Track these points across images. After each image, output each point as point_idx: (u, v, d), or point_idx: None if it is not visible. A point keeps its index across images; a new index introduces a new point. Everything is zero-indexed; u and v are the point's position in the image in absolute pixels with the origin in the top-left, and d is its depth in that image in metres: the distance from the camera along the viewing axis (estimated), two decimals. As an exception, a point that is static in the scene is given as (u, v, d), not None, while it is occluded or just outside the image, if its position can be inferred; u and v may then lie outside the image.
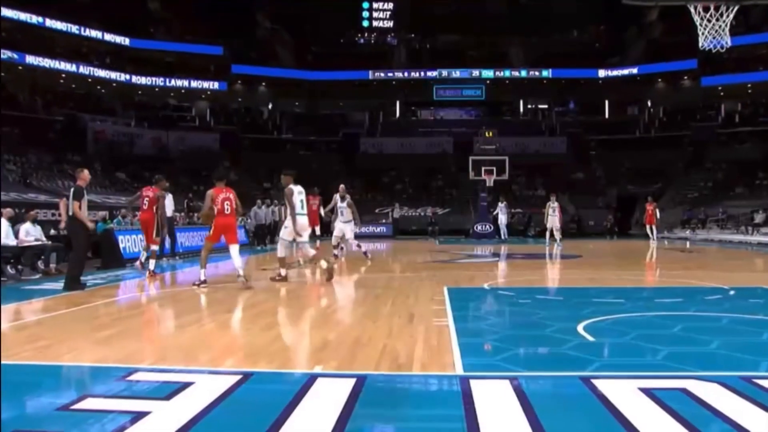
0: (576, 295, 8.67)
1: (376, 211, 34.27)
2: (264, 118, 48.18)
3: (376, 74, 46.71)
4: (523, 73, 46.29)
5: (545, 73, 45.99)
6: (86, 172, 9.52)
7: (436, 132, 45.43)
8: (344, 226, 13.91)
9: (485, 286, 9.62)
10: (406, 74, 47.18)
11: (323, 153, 43.24)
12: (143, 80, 41.96)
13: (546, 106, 49.53)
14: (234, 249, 9.53)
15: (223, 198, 9.54)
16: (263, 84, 47.66)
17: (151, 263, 11.05)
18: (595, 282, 10.30)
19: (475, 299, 8.47)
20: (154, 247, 11.30)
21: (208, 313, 7.46)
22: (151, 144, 40.34)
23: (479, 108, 50.53)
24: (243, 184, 36.94)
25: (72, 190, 9.27)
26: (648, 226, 24.21)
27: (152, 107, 44.26)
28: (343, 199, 13.87)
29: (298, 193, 10.15)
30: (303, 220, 10.07)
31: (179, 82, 43.33)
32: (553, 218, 21.35)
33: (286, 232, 10.17)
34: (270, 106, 48.97)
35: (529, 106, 50.08)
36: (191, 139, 41.64)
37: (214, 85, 44.31)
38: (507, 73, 46.40)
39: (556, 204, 21.40)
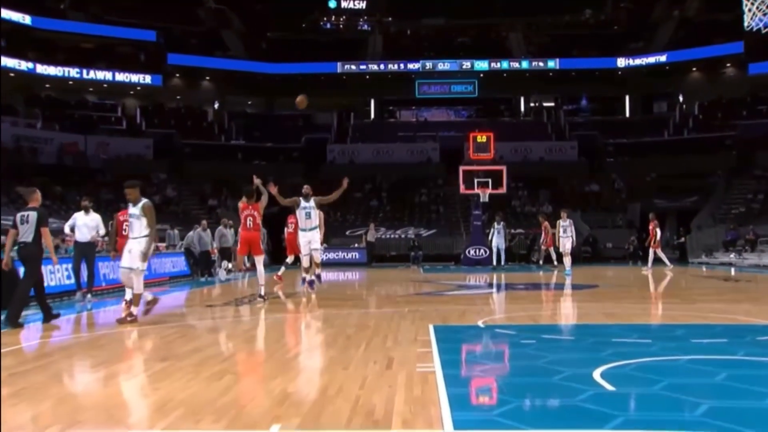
0: (591, 333, 8.70)
1: (347, 233, 34.30)
2: (209, 120, 48.14)
3: (345, 67, 47.05)
4: (525, 64, 46.97)
5: (551, 64, 46.68)
6: (39, 193, 10.33)
7: (420, 137, 45.72)
8: (311, 235, 13.44)
9: (480, 323, 9.60)
10: (382, 67, 47.59)
11: (282, 162, 43.16)
12: (52, 70, 41.56)
13: (552, 104, 50.21)
14: (258, 261, 13.03)
15: (246, 214, 12.83)
16: (207, 78, 47.67)
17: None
18: (614, 318, 10.34)
19: (467, 340, 8.45)
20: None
21: (138, 360, 7.35)
22: (63, 151, 39.54)
23: (471, 107, 51.09)
24: (183, 201, 36.84)
25: (35, 214, 9.94)
26: (652, 251, 24.26)
27: (65, 105, 43.81)
28: (307, 197, 13.61)
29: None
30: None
31: (100, 74, 43.16)
32: (565, 240, 21.35)
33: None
34: (216, 106, 48.95)
35: (532, 105, 50.73)
36: (117, 145, 41.26)
37: (146, 78, 44.26)
38: (505, 65, 47.05)
39: (568, 222, 21.42)
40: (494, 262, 25.65)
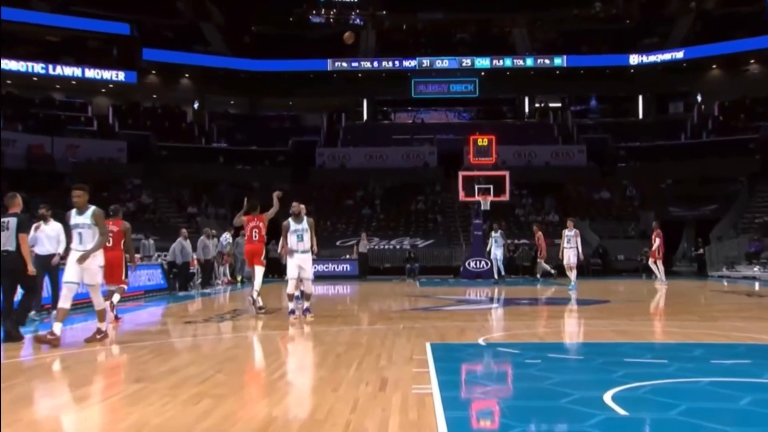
0: (601, 352, 8.68)
1: (337, 243, 34.25)
2: (187, 120, 48.15)
3: (336, 64, 47.14)
4: (529, 62, 47.14)
5: (558, 61, 46.87)
6: (19, 197, 10.55)
7: (416, 140, 45.83)
8: (303, 259, 12.66)
9: (480, 341, 9.60)
10: (375, 64, 47.73)
11: (267, 167, 43.23)
12: (14, 65, 41.31)
13: (559, 105, 50.42)
14: (258, 270, 13.88)
15: (252, 226, 13.96)
16: (186, 75, 47.70)
17: (114, 303, 12.53)
18: (626, 336, 10.34)
19: (467, 359, 8.44)
20: (123, 287, 12.89)
21: (109, 383, 7.30)
22: (27, 153, 39.20)
23: (471, 108, 51.24)
24: (159, 209, 36.77)
25: (15, 220, 10.13)
26: (653, 262, 24.32)
27: (29, 103, 43.51)
28: (298, 219, 12.71)
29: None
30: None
31: (68, 70, 43.05)
32: (568, 251, 21.15)
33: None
34: (196, 105, 48.96)
35: (537, 105, 50.91)
36: (87, 147, 41.04)
37: (119, 75, 44.23)
38: (508, 62, 47.23)
39: (573, 232, 21.19)
40: (495, 275, 25.56)
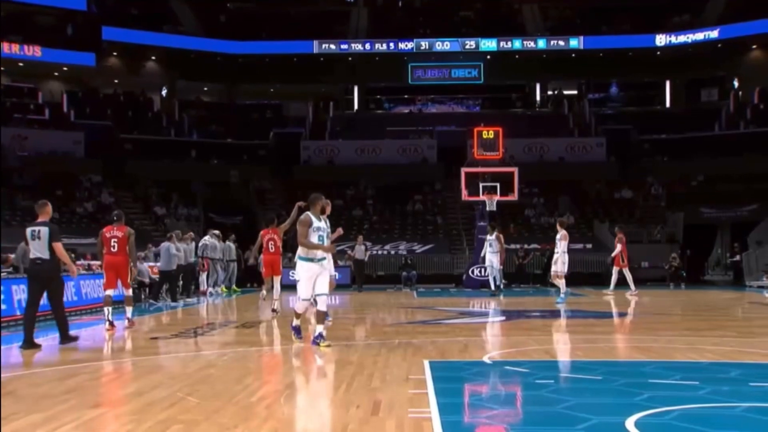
0: (623, 372, 8.67)
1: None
2: (155, 110, 48.05)
3: (323, 46, 47.09)
4: (541, 44, 47.14)
5: (574, 43, 46.84)
6: (50, 205, 11.76)
7: (413, 132, 45.85)
8: (323, 270, 11.13)
9: (485, 359, 9.63)
10: (368, 46, 47.67)
11: (245, 163, 43.15)
12: (-53, 44, 40.80)
13: (575, 92, 50.42)
14: (276, 280, 16.81)
15: (268, 238, 16.70)
16: (153, 58, 47.61)
17: (128, 311, 14.35)
18: (651, 353, 10.34)
19: (470, 379, 8.43)
20: (129, 293, 14.63)
21: (63, 408, 7.22)
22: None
23: (476, 96, 51.21)
24: (123, 210, 36.47)
25: (47, 229, 11.29)
26: (618, 271, 24.25)
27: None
28: (323, 213, 11.51)
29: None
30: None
31: (14, 50, 42.58)
32: (557, 257, 20.59)
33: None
34: (164, 93, 48.89)
35: (550, 93, 50.91)
36: (38, 139, 40.63)
37: (75, 57, 43.91)
38: (517, 44, 47.22)
39: (560, 234, 20.41)
40: (492, 286, 24.48)
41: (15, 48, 42.36)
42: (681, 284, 29.98)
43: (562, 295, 19.86)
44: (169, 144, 44.37)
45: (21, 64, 43.53)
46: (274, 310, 16.29)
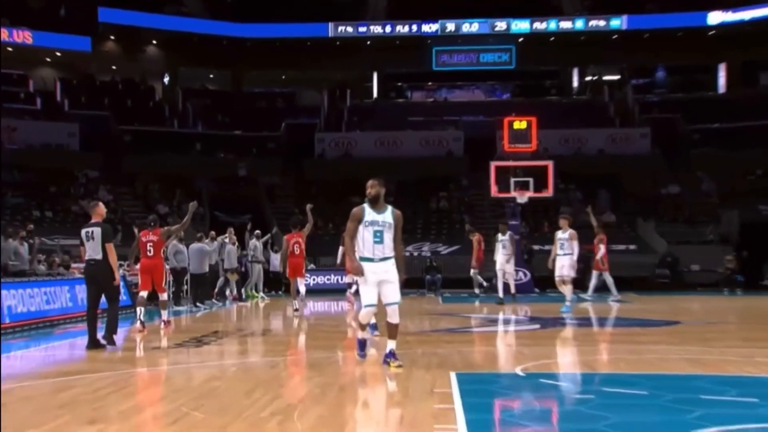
0: (671, 387, 8.61)
1: (341, 250, 34.27)
2: (156, 99, 48.28)
3: (339, 29, 47.17)
4: (580, 24, 46.98)
5: (616, 23, 46.67)
6: (102, 206, 12.99)
7: (437, 122, 45.83)
8: (386, 271, 10.02)
9: (518, 371, 9.59)
10: (388, 29, 47.71)
11: (254, 157, 43.24)
12: (-71, 28, 40.99)
13: (617, 78, 50.16)
14: (301, 282, 19.22)
15: (294, 241, 18.97)
16: (154, 42, 47.83)
17: (164, 314, 15.73)
18: (703, 366, 10.27)
19: (501, 393, 8.45)
20: (164, 297, 16.15)
21: (55, 425, 7.23)
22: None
23: (507, 83, 51.10)
24: (121, 208, 36.86)
25: (100, 230, 12.28)
26: (597, 274, 23.93)
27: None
28: (378, 205, 10.29)
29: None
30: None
31: (3, 35, 42.70)
32: (562, 260, 20.07)
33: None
34: (166, 80, 49.11)
35: (590, 78, 50.71)
36: (29, 130, 40.78)
37: (69, 41, 44.08)
38: (552, 25, 47.11)
39: (567, 234, 20.19)
40: (500, 293, 23.44)
41: (3, 32, 42.60)
42: (736, 290, 29.73)
43: (568, 304, 19.48)
44: (171, 136, 44.67)
45: (10, 49, 43.73)
46: (296, 310, 18.30)
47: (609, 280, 23.51)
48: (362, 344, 10.44)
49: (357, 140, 44.31)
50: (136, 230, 20.41)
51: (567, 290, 19.75)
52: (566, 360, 11.12)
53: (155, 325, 15.68)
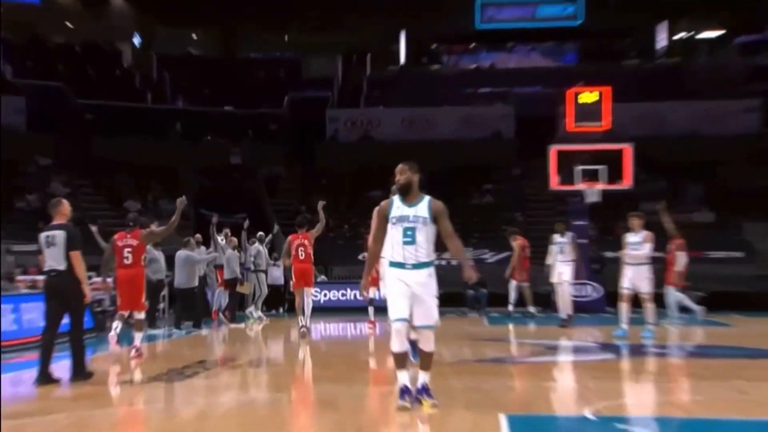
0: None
1: (361, 257, 34.33)
2: (125, 66, 48.44)
3: (356, -22, 47.23)
4: (667, -31, 46.72)
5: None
6: (66, 204, 12.73)
7: (481, 95, 45.82)
8: (420, 282, 9.64)
9: (586, 413, 9.64)
10: (418, -23, 47.70)
11: (251, 140, 43.42)
12: None
13: (716, 35, 49.82)
14: (308, 293, 19.45)
15: (297, 244, 19.33)
16: (121, -5, 47.98)
17: (138, 337, 15.39)
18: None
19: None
20: (142, 316, 15.93)
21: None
22: None
23: (571, 44, 50.97)
24: (82, 204, 36.92)
25: (63, 233, 12.10)
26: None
27: None
28: (407, 193, 10.01)
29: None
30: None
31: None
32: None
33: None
34: (137, 42, 49.23)
35: (678, 37, 50.41)
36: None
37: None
38: (630, -28, 46.89)
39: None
40: (561, 313, 23.19)
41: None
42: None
43: (621, 328, 19.40)
44: (145, 114, 44.86)
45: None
46: (302, 327, 19.12)
47: (679, 296, 23.32)
48: (403, 391, 9.62)
49: (379, 119, 44.48)
50: (93, 229, 20.90)
51: (649, 310, 19.42)
52: (648, 400, 11.13)
53: (124, 353, 15.79)
